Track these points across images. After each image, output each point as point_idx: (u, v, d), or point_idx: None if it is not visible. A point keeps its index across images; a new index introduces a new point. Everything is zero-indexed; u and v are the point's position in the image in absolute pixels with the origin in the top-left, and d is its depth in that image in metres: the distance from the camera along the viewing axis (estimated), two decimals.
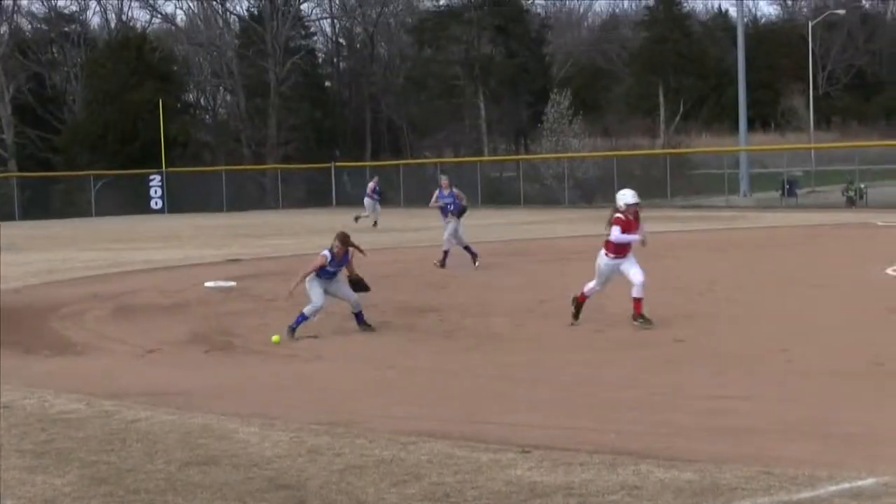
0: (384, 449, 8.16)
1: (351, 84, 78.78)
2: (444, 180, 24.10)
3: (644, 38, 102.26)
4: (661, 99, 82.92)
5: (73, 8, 77.41)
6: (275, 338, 13.58)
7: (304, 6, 77.62)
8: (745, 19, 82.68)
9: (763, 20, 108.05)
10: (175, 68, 71.43)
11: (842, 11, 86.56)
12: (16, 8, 71.99)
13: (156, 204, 58.44)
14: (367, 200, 40.24)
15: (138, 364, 12.72)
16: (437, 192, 23.95)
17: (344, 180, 62.98)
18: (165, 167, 58.92)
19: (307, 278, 13.95)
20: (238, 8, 77.59)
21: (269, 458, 8.04)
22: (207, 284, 20.07)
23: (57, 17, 74.11)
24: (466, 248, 23.01)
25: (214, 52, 73.37)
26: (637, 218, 14.31)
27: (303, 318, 13.90)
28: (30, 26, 74.85)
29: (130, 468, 7.83)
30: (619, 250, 14.19)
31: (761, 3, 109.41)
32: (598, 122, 76.35)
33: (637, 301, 14.02)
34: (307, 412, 9.64)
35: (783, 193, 47.50)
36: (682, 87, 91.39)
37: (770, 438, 8.30)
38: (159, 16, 78.60)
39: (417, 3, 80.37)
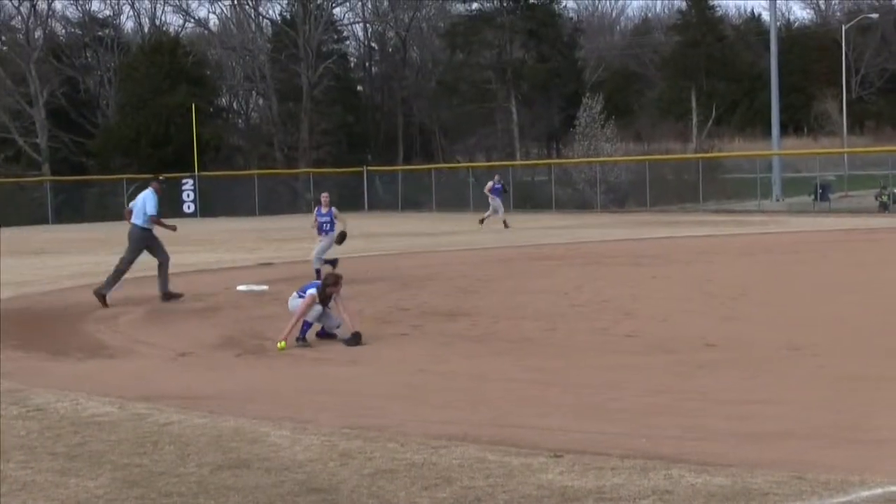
0: (415, 453, 8.16)
1: (383, 88, 79.00)
2: (323, 197, 22.36)
3: (676, 42, 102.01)
4: (694, 103, 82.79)
5: (107, 12, 78.21)
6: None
7: (336, 10, 77.94)
8: (778, 23, 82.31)
9: (796, 24, 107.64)
10: (208, 72, 71.83)
11: (875, 15, 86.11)
12: (50, 12, 72.55)
13: (188, 208, 58.76)
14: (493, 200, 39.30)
15: (170, 367, 12.78)
16: (315, 210, 22.41)
17: (376, 185, 63.13)
18: (198, 171, 59.22)
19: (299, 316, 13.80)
20: (271, 12, 77.82)
21: (301, 461, 8.06)
22: (240, 288, 20.19)
23: (91, 22, 74.68)
24: (328, 262, 21.48)
25: (247, 56, 73.71)
26: None
27: (307, 325, 13.89)
28: (64, 31, 75.50)
29: (162, 471, 7.88)
30: None
31: (794, 8, 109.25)
32: (631, 127, 76.30)
33: None
34: (339, 416, 9.66)
35: (816, 198, 47.29)
36: (715, 91, 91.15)
37: (802, 443, 8.27)
38: (192, 20, 79.14)
39: (450, 7, 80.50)
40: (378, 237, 34.85)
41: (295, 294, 14.09)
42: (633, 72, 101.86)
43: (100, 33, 74.11)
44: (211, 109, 69.48)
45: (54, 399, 10.74)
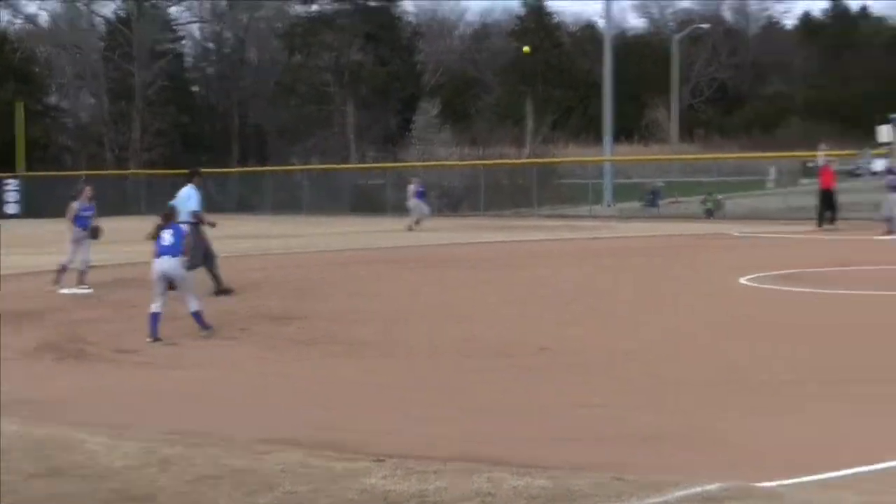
0: (238, 458, 8.01)
1: (219, 89, 77.99)
2: (86, 190, 20.98)
3: (514, 49, 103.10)
4: (530, 109, 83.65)
5: None
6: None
7: (172, 10, 76.62)
8: (613, 32, 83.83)
9: (630, 33, 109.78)
10: (37, 69, 69.90)
11: (706, 26, 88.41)
12: None
13: (11, 209, 56.76)
14: (412, 202, 39.87)
15: None
16: (76, 203, 20.66)
17: (209, 186, 62.14)
18: (23, 170, 57.49)
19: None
20: (104, 10, 76.02)
21: (118, 469, 7.83)
22: (63, 291, 19.63)
23: None
24: (64, 267, 20.16)
25: (77, 54, 71.98)
26: None
27: (156, 320, 13.76)
28: None
29: None
30: None
31: (629, 16, 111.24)
32: (467, 132, 76.83)
33: None
34: (160, 421, 9.43)
35: (646, 204, 48.25)
36: (551, 97, 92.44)
37: (625, 445, 8.38)
38: (21, 17, 76.87)
39: (288, 8, 79.91)
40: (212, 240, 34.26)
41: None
42: (471, 77, 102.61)
43: None
44: (39, 107, 67.64)
45: None
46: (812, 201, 36.31)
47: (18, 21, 77.27)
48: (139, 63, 68.36)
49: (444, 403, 10.27)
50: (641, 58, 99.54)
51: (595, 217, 46.25)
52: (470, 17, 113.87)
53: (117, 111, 69.58)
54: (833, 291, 18.35)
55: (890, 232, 29.48)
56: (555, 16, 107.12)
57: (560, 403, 10.16)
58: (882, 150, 40.71)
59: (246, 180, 60.26)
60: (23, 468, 7.86)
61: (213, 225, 19.32)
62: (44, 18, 78.04)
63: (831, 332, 14.01)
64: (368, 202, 55.15)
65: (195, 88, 79.22)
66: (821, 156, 35.37)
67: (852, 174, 51.09)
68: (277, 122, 74.24)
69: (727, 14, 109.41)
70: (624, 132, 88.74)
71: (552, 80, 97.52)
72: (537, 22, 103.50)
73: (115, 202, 60.71)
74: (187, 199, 18.62)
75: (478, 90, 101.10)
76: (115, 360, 12.95)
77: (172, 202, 17.59)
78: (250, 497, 7.05)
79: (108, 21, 74.54)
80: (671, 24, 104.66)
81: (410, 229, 37.84)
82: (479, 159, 59.85)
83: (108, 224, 22.17)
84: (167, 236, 14.21)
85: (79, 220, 20.52)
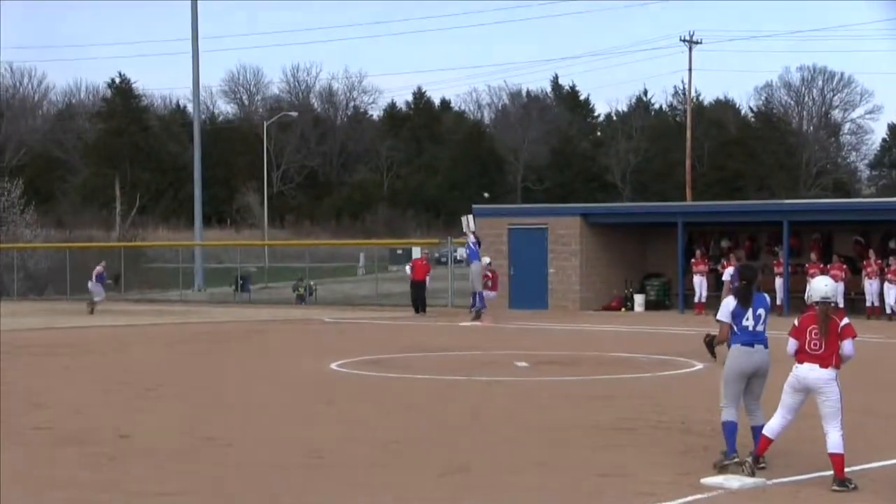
0: None
1: None
2: None
3: (100, 130, 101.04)
4: (118, 191, 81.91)
5: None
6: None
7: None
8: (203, 116, 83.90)
9: (220, 118, 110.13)
10: None
11: (294, 113, 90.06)
12: None
13: None
14: (93, 285, 37.59)
15: None
16: None
17: None
18: None
19: None
20: None
21: None
22: None
23: None
24: None
25: None
26: None
27: None
28: None
29: None
30: None
31: (218, 102, 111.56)
32: (53, 213, 74.40)
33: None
34: None
35: (236, 289, 48.23)
36: (140, 180, 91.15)
37: None
38: None
39: None
40: None
41: None
42: (56, 157, 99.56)
43: None
44: None
45: None
46: (399, 288, 37.54)
47: None
48: None
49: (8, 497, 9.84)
50: (231, 143, 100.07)
51: (186, 301, 45.75)
52: (54, 96, 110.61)
53: None
54: (410, 376, 18.95)
55: (477, 318, 30.87)
56: (143, 98, 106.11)
57: (138, 492, 9.98)
58: (464, 240, 42.69)
59: None
60: None
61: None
62: None
63: (396, 417, 14.49)
64: None
65: None
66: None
67: (438, 262, 53.22)
68: None
69: (315, 102, 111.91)
70: (216, 216, 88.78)
71: (140, 163, 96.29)
72: (124, 104, 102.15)
73: None
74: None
75: (63, 171, 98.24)
76: None
77: None
78: None
79: None
80: (261, 110, 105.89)
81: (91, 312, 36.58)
82: (66, 241, 57.96)
83: None
84: None
85: None
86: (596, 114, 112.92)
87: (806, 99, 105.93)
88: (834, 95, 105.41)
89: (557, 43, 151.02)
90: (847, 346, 10.08)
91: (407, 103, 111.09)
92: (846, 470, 9.94)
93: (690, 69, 76.62)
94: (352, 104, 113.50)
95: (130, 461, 11.45)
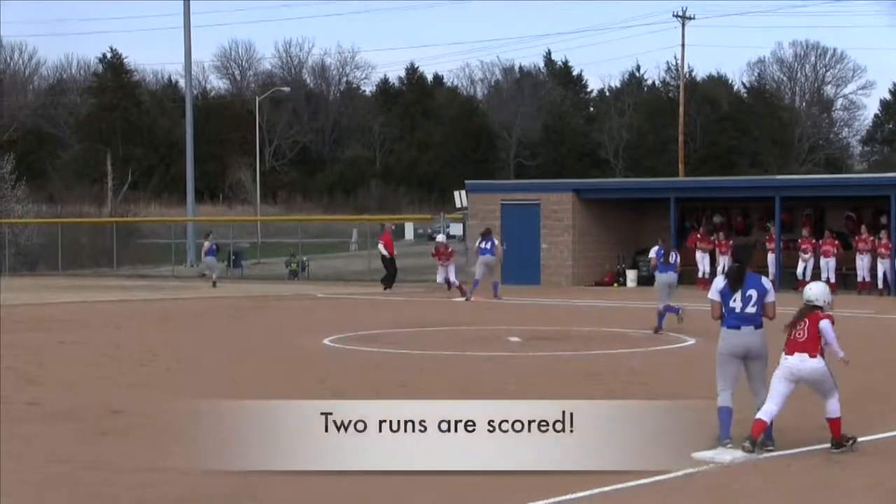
0: None
1: None
2: None
3: (92, 105, 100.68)
4: (109, 167, 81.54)
5: None
6: None
7: None
8: (195, 92, 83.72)
9: (213, 93, 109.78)
10: None
11: (287, 89, 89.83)
12: None
13: None
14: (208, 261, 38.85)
15: None
16: None
17: None
18: None
19: None
20: None
21: None
22: None
23: None
24: None
25: None
26: None
27: None
28: None
29: None
30: None
31: (210, 77, 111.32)
32: (44, 189, 74.17)
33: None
34: None
35: (229, 264, 48.18)
36: (132, 155, 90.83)
37: None
38: None
39: None
40: None
41: None
42: (47, 132, 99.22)
43: None
44: None
45: None
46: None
47: None
48: None
49: (9, 472, 9.84)
50: (224, 118, 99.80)
51: (178, 277, 45.72)
52: (45, 71, 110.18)
53: None
54: (405, 352, 18.98)
55: (464, 294, 30.71)
56: (134, 73, 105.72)
57: (133, 468, 9.99)
58: (458, 216, 42.67)
59: None
60: None
61: None
62: None
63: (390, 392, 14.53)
64: None
65: None
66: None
67: (430, 238, 53.16)
68: None
69: (308, 78, 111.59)
70: (208, 192, 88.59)
71: (132, 139, 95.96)
72: (116, 79, 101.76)
73: None
74: None
75: (55, 147, 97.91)
76: None
77: None
78: None
79: None
80: (252, 86, 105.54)
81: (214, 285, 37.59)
82: (58, 217, 57.85)
83: None
84: None
85: None
86: (589, 89, 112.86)
87: (798, 75, 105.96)
88: (826, 71, 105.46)
89: (550, 18, 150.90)
90: (823, 324, 10.29)
91: (400, 79, 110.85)
92: None
93: (683, 45, 76.71)
94: (344, 80, 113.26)
95: (123, 436, 11.48)
